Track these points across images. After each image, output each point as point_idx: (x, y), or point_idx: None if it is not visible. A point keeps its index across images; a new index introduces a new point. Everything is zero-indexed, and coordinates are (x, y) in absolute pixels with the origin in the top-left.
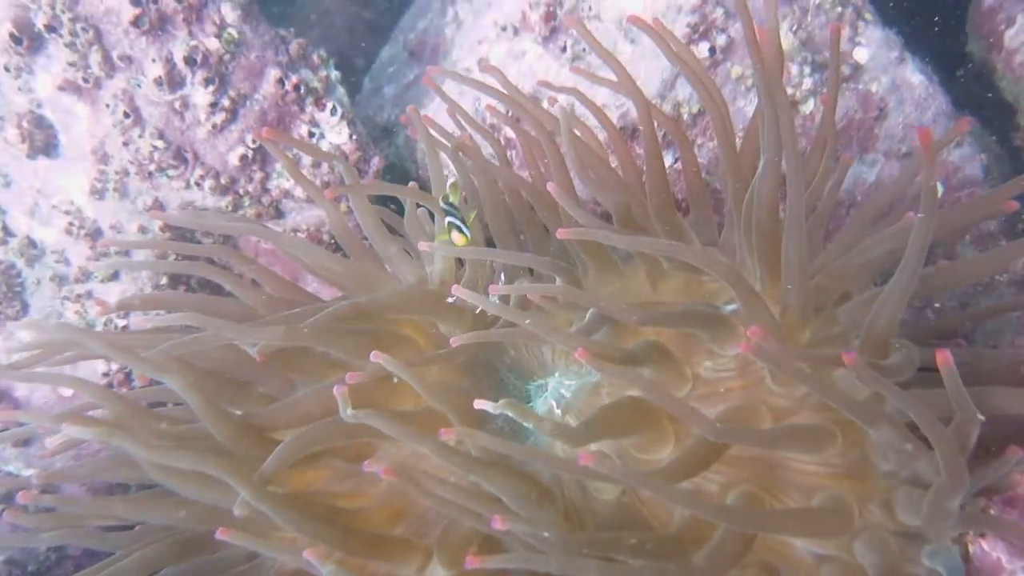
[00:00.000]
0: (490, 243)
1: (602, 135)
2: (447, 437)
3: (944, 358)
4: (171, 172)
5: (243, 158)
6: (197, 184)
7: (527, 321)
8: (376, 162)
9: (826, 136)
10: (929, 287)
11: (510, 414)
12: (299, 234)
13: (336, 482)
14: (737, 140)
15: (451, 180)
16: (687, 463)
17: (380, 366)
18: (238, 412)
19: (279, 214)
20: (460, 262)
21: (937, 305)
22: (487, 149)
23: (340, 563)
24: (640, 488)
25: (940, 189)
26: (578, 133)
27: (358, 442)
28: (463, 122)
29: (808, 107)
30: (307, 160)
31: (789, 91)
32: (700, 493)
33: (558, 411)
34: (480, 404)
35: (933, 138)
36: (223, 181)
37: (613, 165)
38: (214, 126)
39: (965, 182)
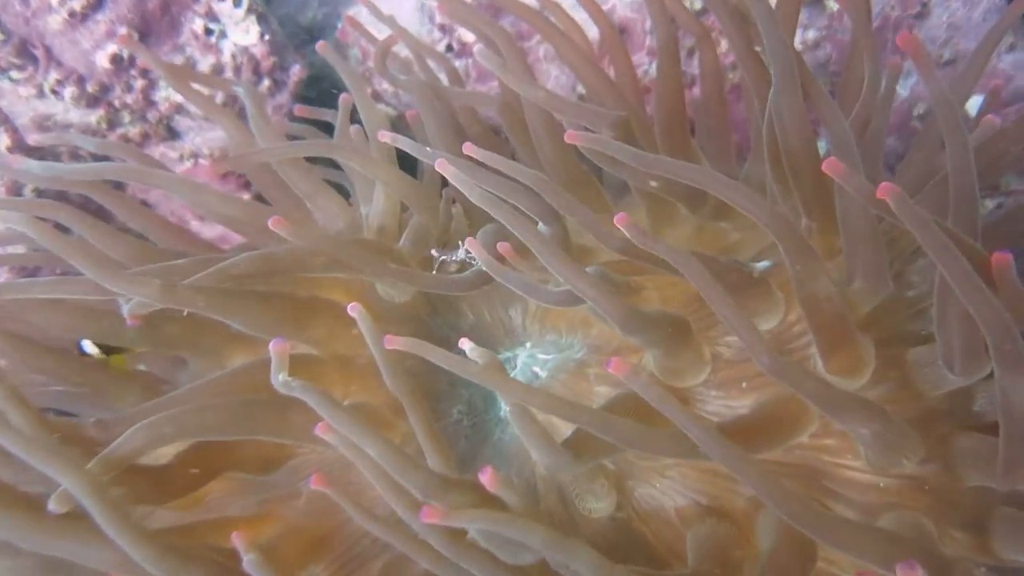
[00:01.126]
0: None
1: (592, 33)
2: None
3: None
4: (15, 74)
5: (115, 59)
6: (54, 91)
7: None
8: (296, 71)
9: (861, 36)
10: None
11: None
12: (200, 160)
13: (236, 498)
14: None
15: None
16: None
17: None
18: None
19: (172, 134)
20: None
21: None
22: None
23: None
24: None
25: (977, 104)
26: (561, 27)
27: (261, 444)
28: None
29: (833, 3)
30: (205, 60)
31: None
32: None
33: None
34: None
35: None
36: (90, 89)
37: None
38: (71, 14)
39: (1018, 94)
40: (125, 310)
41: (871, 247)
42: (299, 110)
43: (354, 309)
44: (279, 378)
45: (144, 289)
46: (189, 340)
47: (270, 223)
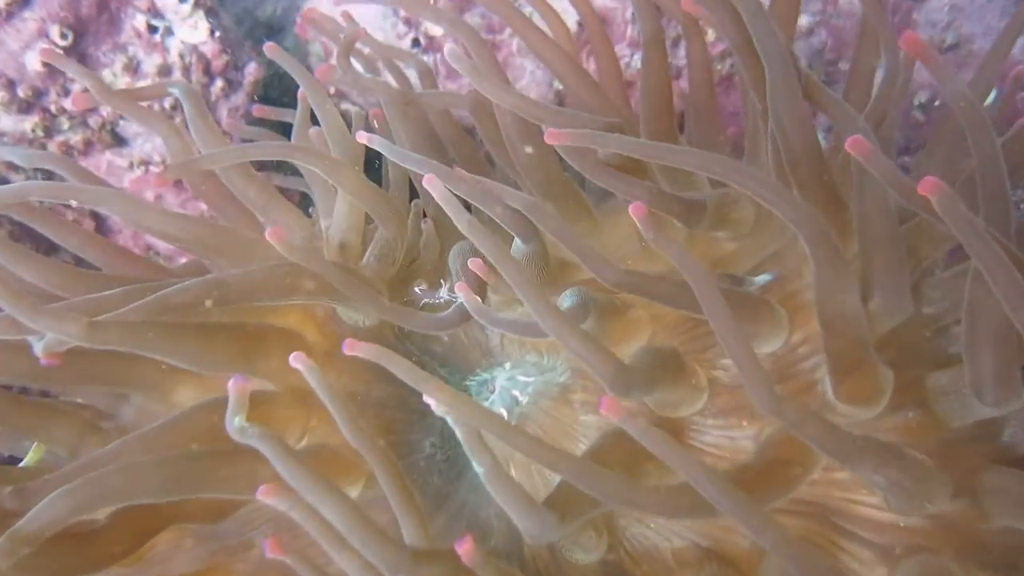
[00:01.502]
0: (413, 193)
1: (571, 21)
2: None
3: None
4: None
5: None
6: None
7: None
8: (252, 70)
9: (874, 23)
10: None
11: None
12: (152, 168)
13: (182, 553)
14: None
15: None
16: None
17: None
18: None
19: (118, 140)
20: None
21: None
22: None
23: None
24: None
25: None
26: (539, 14)
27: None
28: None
29: None
30: (150, 60)
31: None
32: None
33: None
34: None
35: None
36: (22, 94)
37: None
38: None
39: None
40: (37, 348)
41: (893, 259)
42: (257, 110)
43: (297, 359)
44: (235, 422)
45: (69, 326)
46: (121, 376)
47: (267, 234)
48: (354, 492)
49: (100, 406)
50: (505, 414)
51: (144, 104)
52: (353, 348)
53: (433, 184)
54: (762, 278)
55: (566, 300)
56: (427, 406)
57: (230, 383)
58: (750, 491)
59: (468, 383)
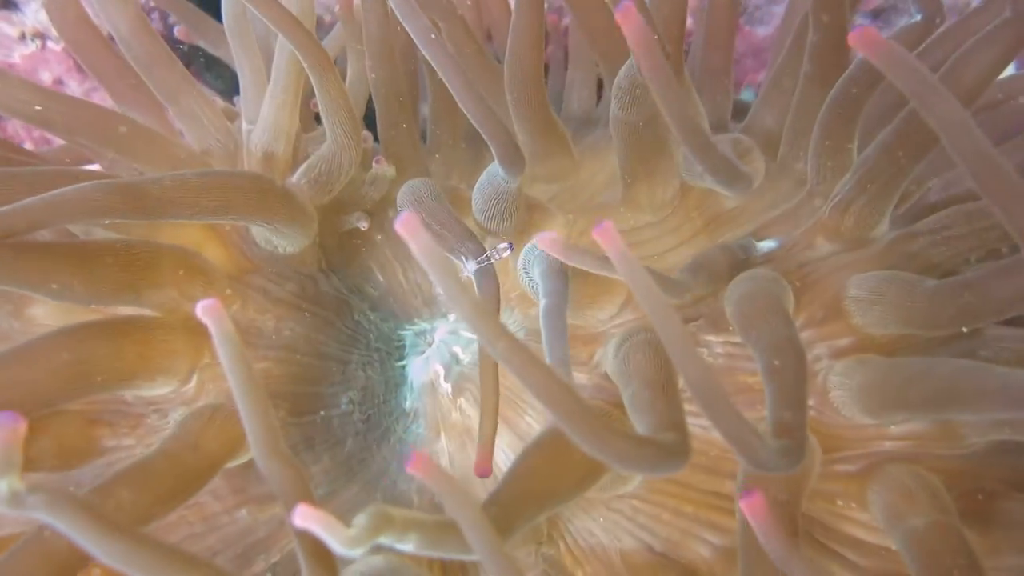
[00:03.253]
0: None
1: None
2: None
3: None
4: None
5: None
6: None
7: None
8: None
9: None
10: None
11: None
12: (49, 44)
13: None
14: None
15: None
16: None
17: None
18: None
19: (8, 4)
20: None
21: None
22: None
23: None
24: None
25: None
26: None
27: (63, 423)
28: None
29: None
30: None
31: None
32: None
33: (445, 384)
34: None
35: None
36: None
37: None
38: None
39: None
40: None
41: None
42: None
43: (207, 311)
44: (4, 487)
45: None
46: None
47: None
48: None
49: None
50: (441, 372)
51: None
52: (304, 517)
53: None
54: (766, 244)
55: (538, 264)
56: (351, 356)
57: None
58: None
59: (403, 332)
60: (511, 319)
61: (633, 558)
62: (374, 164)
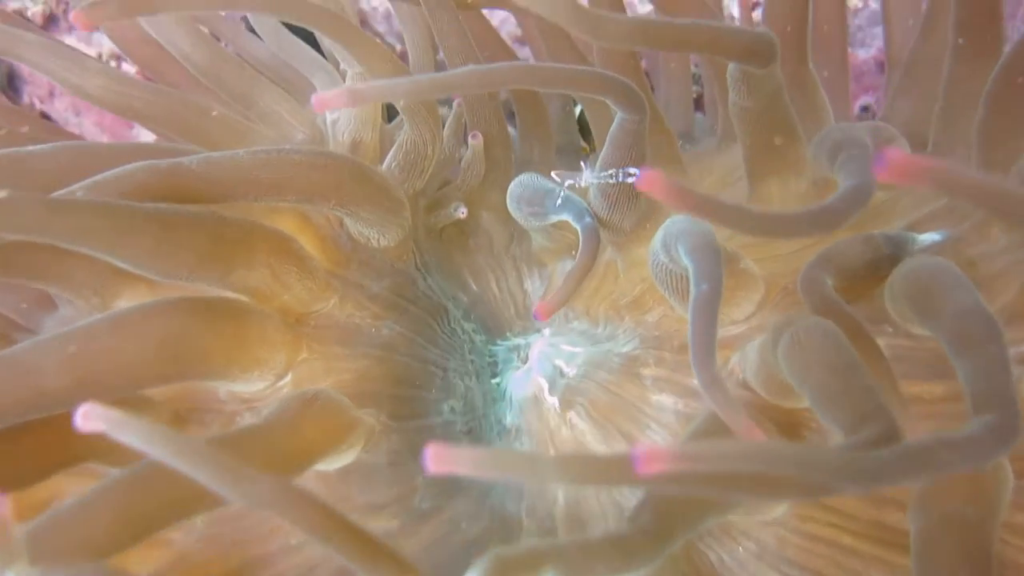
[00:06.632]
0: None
1: None
2: None
3: None
4: None
5: None
6: None
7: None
8: None
9: None
10: None
11: None
12: (123, 64)
13: None
14: None
15: None
16: None
17: None
18: None
19: None
20: (390, 109)
21: None
22: None
23: None
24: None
25: None
26: None
27: None
28: None
29: None
30: None
31: None
32: None
33: (551, 399)
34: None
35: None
36: None
37: None
38: None
39: None
40: None
41: None
42: None
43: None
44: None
45: None
46: (52, 271)
47: (313, 100)
48: (351, 455)
49: (13, 314)
50: (545, 386)
51: None
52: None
53: None
54: (928, 237)
55: (684, 239)
56: (448, 363)
57: None
58: None
59: (495, 348)
60: (622, 328)
61: None
62: (470, 139)
